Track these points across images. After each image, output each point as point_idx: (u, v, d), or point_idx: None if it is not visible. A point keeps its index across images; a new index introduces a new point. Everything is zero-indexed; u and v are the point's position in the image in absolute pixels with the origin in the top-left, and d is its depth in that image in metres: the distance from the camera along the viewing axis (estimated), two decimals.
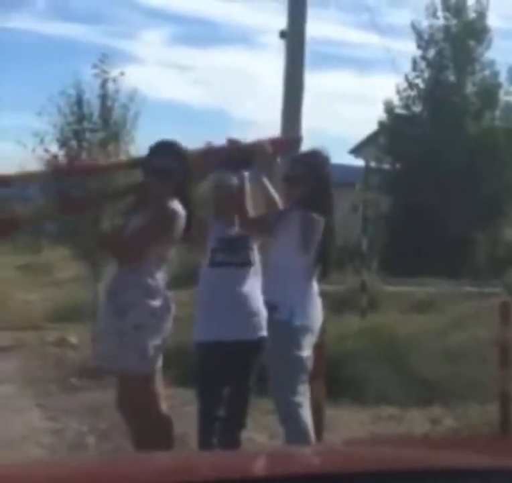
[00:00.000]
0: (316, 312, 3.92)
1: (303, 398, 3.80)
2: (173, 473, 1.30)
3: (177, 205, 3.69)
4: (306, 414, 3.78)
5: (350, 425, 5.23)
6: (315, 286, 3.96)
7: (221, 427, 3.98)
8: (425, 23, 19.25)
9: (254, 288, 4.05)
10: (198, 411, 4.00)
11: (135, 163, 4.06)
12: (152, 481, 1.21)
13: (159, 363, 3.70)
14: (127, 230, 3.77)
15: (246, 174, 4.05)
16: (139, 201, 3.90)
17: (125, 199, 4.18)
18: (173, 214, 3.66)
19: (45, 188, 8.66)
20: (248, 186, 4.04)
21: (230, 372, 3.97)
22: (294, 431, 3.75)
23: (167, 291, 3.75)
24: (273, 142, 4.22)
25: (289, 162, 4.26)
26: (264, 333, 3.90)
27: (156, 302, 3.64)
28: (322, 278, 3.97)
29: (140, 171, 3.94)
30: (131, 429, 3.77)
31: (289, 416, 3.78)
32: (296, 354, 3.79)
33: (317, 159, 4.04)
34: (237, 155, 4.05)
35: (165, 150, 3.77)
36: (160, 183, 3.70)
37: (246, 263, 4.06)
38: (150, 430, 3.64)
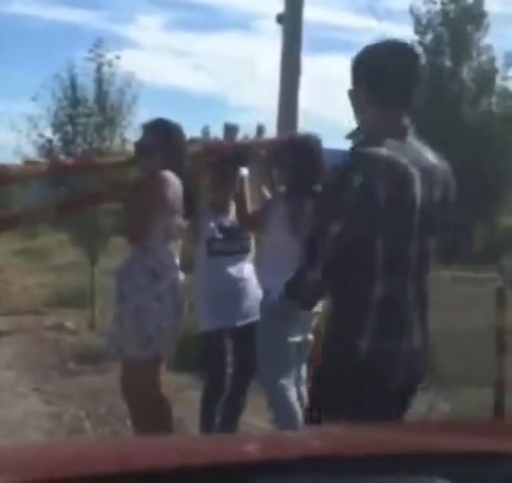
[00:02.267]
0: None
1: (289, 381, 3.83)
2: (172, 457, 1.31)
3: (168, 174, 3.66)
4: (292, 395, 3.81)
5: None
6: None
7: (222, 410, 4.04)
8: (423, 8, 19.20)
9: (251, 274, 4.12)
10: (203, 391, 4.06)
11: (134, 160, 4.06)
12: (151, 465, 1.22)
13: (165, 348, 3.70)
14: None
15: (244, 171, 4.05)
16: None
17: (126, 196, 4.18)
18: (162, 179, 3.63)
19: (44, 188, 8.68)
20: (246, 183, 4.04)
21: (233, 357, 4.04)
22: (281, 413, 3.80)
23: (177, 273, 3.71)
24: (270, 143, 4.23)
25: (277, 147, 4.26)
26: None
27: (160, 285, 3.64)
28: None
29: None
30: (132, 414, 3.80)
31: (275, 399, 3.83)
32: (285, 336, 3.81)
33: (300, 143, 4.04)
34: (234, 153, 4.07)
35: (152, 128, 3.77)
36: (147, 160, 3.69)
37: (244, 251, 4.10)
38: (149, 415, 3.66)
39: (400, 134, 2.30)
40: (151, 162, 3.68)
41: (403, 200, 2.23)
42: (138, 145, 3.79)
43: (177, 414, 4.17)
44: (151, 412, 3.66)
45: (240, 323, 4.04)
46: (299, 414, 3.81)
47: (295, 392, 3.87)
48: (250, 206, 4.03)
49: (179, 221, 3.74)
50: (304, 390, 3.96)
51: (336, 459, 1.28)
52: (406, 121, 2.33)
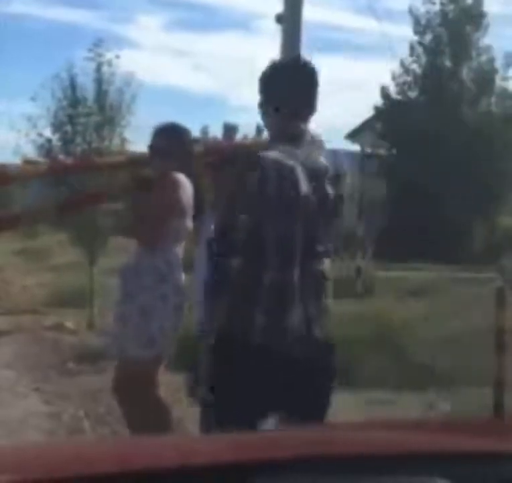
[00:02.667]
0: None
1: None
2: (171, 457, 1.31)
3: (181, 176, 3.72)
4: None
5: (344, 409, 5.25)
6: None
7: None
8: (422, 9, 19.20)
9: None
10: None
11: (135, 161, 4.07)
12: (150, 465, 1.22)
13: (166, 348, 3.70)
14: None
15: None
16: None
17: (127, 196, 4.19)
18: (175, 181, 3.70)
19: (44, 188, 8.68)
20: None
21: None
22: None
23: (181, 274, 3.74)
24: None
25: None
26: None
27: (166, 286, 3.65)
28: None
29: (139, 168, 3.96)
30: (125, 414, 3.80)
31: None
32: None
33: None
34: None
35: (166, 131, 3.82)
36: (162, 163, 3.73)
37: None
38: (147, 416, 3.66)
39: (294, 140, 2.65)
40: (165, 164, 3.71)
41: (288, 195, 2.59)
42: (152, 147, 3.81)
43: (177, 414, 4.17)
44: (149, 413, 3.66)
45: None
46: None
47: None
48: None
49: (189, 223, 3.78)
50: None
51: (335, 459, 1.28)
52: (302, 128, 2.67)
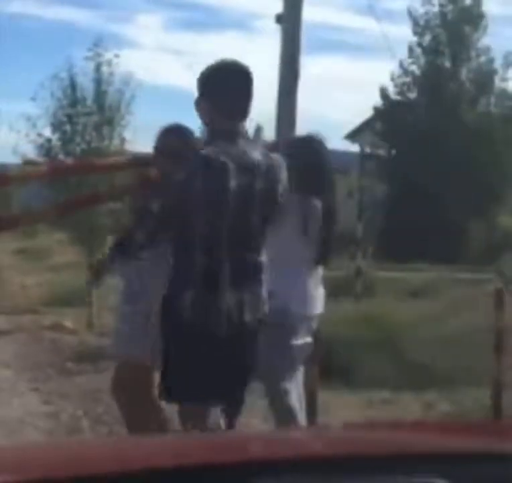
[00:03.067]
0: (315, 299, 3.88)
1: (290, 384, 3.82)
2: (170, 457, 1.31)
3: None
4: (294, 400, 3.81)
5: (344, 409, 5.26)
6: (315, 271, 3.93)
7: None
8: (421, 9, 19.20)
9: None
10: None
11: (135, 162, 4.04)
12: (149, 465, 1.22)
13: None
14: None
15: None
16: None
17: (126, 197, 4.18)
18: (180, 183, 3.65)
19: (44, 188, 8.68)
20: None
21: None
22: (282, 417, 3.79)
23: None
24: (270, 146, 4.22)
25: (284, 147, 4.25)
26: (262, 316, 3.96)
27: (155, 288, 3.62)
28: (321, 263, 3.93)
29: (139, 169, 3.92)
30: (123, 414, 3.79)
31: (277, 403, 3.83)
32: (288, 342, 3.79)
33: (310, 143, 4.04)
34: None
35: (171, 132, 3.77)
36: (169, 164, 3.67)
37: None
38: (145, 416, 3.65)
39: (230, 137, 2.84)
40: (169, 165, 3.65)
41: (217, 189, 2.79)
42: (157, 148, 3.75)
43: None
44: (147, 413, 3.65)
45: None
46: (299, 418, 3.81)
47: (297, 397, 3.86)
48: None
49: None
50: (302, 392, 3.96)
51: (333, 459, 1.28)
52: (238, 126, 2.86)
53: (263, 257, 2.98)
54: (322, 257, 3.89)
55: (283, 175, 2.97)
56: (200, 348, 2.87)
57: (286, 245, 3.84)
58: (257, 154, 2.87)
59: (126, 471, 1.18)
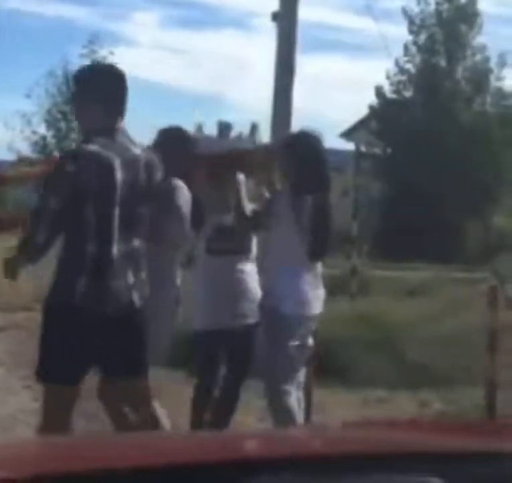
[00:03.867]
0: (311, 299, 3.84)
1: (290, 385, 3.81)
2: (162, 454, 1.30)
3: (180, 182, 3.66)
4: (293, 401, 3.80)
5: (339, 408, 5.26)
6: (314, 270, 3.90)
7: (213, 408, 4.03)
8: (416, 8, 19.21)
9: (251, 275, 4.07)
10: (194, 389, 4.05)
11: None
12: (141, 462, 1.21)
13: (163, 352, 3.66)
14: None
15: (241, 176, 4.04)
16: None
17: None
18: (175, 187, 3.64)
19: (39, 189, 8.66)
20: (243, 185, 4.04)
21: (226, 357, 4.02)
22: (281, 418, 3.78)
23: (176, 279, 3.70)
24: (269, 150, 4.22)
25: (278, 144, 4.25)
26: (257, 319, 3.93)
27: (168, 294, 3.59)
28: (314, 259, 3.90)
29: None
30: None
31: (276, 404, 3.82)
32: (285, 342, 3.77)
33: (303, 139, 4.02)
34: (228, 160, 4.12)
35: (170, 134, 3.75)
36: (164, 166, 3.65)
37: (244, 251, 4.07)
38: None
39: (109, 134, 3.09)
40: (167, 167, 3.63)
41: (105, 182, 3.05)
42: (156, 149, 3.73)
43: (170, 411, 4.16)
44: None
45: (236, 324, 4.00)
46: (299, 419, 3.79)
47: (295, 397, 3.84)
48: (248, 207, 4.01)
49: (188, 229, 3.69)
50: (301, 394, 3.94)
51: (330, 457, 1.27)
52: (116, 123, 3.12)
53: (143, 244, 3.24)
54: (314, 253, 3.85)
55: (158, 168, 3.25)
56: (91, 331, 3.08)
57: (281, 243, 3.83)
58: (137, 149, 3.16)
59: (117, 468, 1.16)
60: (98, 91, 3.11)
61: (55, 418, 3.21)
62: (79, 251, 3.09)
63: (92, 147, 3.05)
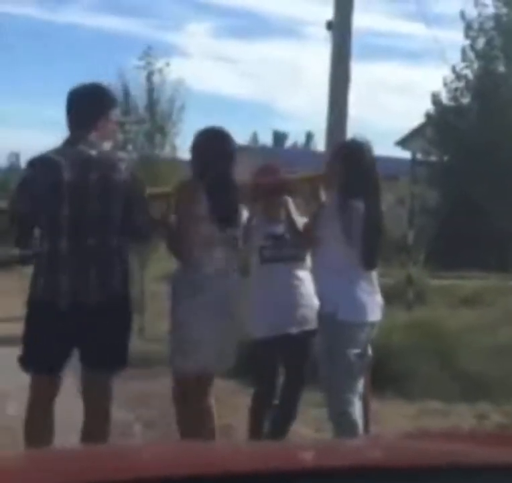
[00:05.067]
0: (369, 305, 3.81)
1: (352, 394, 3.77)
2: (216, 464, 1.31)
3: (190, 183, 3.73)
4: (355, 411, 3.75)
5: (396, 419, 5.20)
6: (368, 278, 3.86)
7: (272, 417, 4.03)
8: (474, 12, 18.93)
9: (306, 281, 4.08)
10: (253, 397, 4.07)
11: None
12: (193, 471, 1.22)
13: (211, 359, 3.65)
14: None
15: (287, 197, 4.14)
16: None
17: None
18: (188, 190, 3.69)
19: None
20: (291, 203, 4.14)
21: (284, 364, 4.04)
22: (343, 428, 3.74)
23: (223, 282, 3.66)
24: (315, 177, 4.24)
25: (331, 154, 4.26)
26: (315, 325, 3.93)
27: (199, 299, 3.60)
28: (367, 267, 3.87)
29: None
30: (177, 422, 3.81)
31: (337, 413, 3.78)
32: (343, 350, 3.73)
33: (351, 147, 4.03)
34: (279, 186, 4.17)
35: (206, 134, 3.84)
36: (199, 165, 3.77)
37: (297, 258, 4.08)
38: (193, 425, 3.65)
39: (72, 142, 3.48)
40: (203, 165, 3.70)
41: (53, 181, 3.35)
42: (191, 148, 3.82)
43: (225, 422, 4.17)
44: (195, 422, 3.65)
45: (293, 331, 4.00)
46: (360, 429, 3.75)
47: (359, 406, 3.80)
48: (300, 221, 4.05)
49: (212, 228, 3.66)
50: (361, 405, 3.90)
51: (391, 469, 1.26)
52: (78, 134, 3.48)
53: (114, 240, 3.41)
54: (366, 260, 3.82)
55: (123, 167, 3.45)
56: (45, 324, 3.37)
57: (331, 250, 3.81)
58: (93, 153, 3.42)
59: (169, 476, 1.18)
60: (69, 107, 3.54)
61: (34, 405, 3.44)
62: (41, 250, 3.40)
63: (44, 153, 3.44)
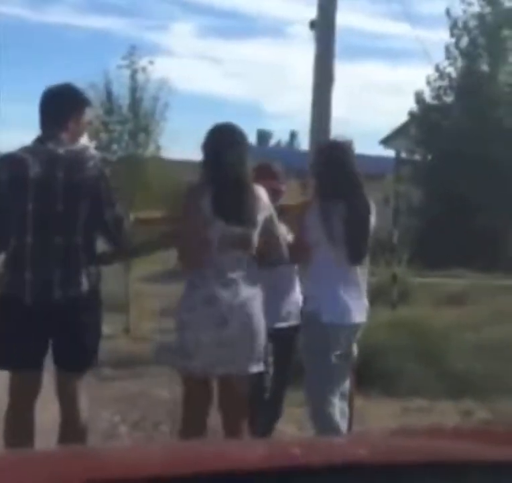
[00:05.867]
0: (351, 308, 3.80)
1: (332, 395, 3.78)
2: (201, 462, 1.31)
3: (193, 184, 3.58)
4: (334, 411, 3.76)
5: (380, 417, 5.22)
6: (354, 280, 3.85)
7: (257, 416, 4.01)
8: (458, 11, 19.02)
9: (291, 279, 4.08)
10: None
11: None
12: (175, 470, 1.22)
13: (208, 360, 3.47)
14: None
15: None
16: None
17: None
18: (186, 192, 3.58)
19: None
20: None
21: (273, 359, 4.02)
22: (322, 427, 3.75)
23: (216, 284, 3.46)
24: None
25: (313, 155, 4.27)
26: (299, 321, 3.95)
27: (196, 298, 3.48)
28: (352, 263, 3.85)
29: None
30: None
31: (317, 413, 3.80)
32: (325, 351, 3.75)
33: (329, 147, 4.05)
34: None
35: (217, 131, 3.61)
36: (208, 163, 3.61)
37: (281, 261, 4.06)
38: (185, 424, 3.62)
39: (41, 140, 3.52)
40: (211, 163, 3.54)
41: (17, 178, 3.40)
42: (203, 145, 3.61)
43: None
44: (186, 422, 3.61)
45: (279, 325, 4.00)
46: (341, 429, 3.76)
47: (339, 407, 3.80)
48: (284, 233, 3.86)
49: (215, 229, 3.48)
50: (346, 405, 3.90)
51: (373, 466, 1.26)
52: (47, 133, 3.52)
53: (80, 238, 3.43)
54: (351, 257, 3.81)
55: (91, 164, 3.48)
56: (12, 320, 3.40)
57: (316, 252, 3.81)
58: (61, 151, 3.46)
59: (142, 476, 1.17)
60: (42, 107, 3.59)
61: (14, 403, 3.47)
62: (4, 244, 3.45)
63: (13, 151, 3.50)
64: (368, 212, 3.89)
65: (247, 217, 3.50)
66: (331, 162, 3.88)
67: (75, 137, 3.61)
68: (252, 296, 3.51)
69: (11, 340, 3.42)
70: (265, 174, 4.01)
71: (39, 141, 3.54)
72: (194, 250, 3.50)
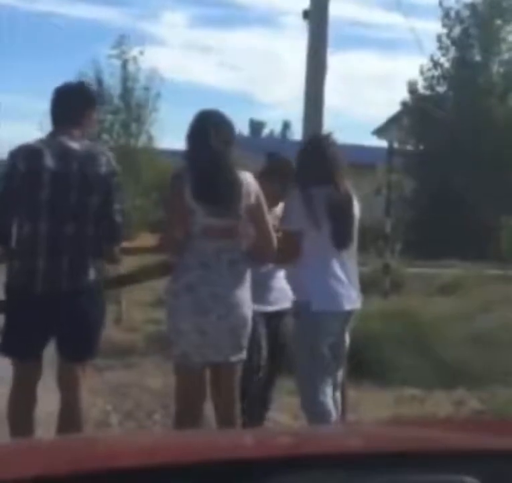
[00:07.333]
0: (341, 295, 3.80)
1: (324, 384, 3.78)
2: (193, 452, 1.31)
3: (176, 172, 3.58)
4: (327, 400, 3.77)
5: (373, 407, 5.23)
6: (344, 267, 3.84)
7: (247, 405, 4.00)
8: (451, 1, 19.01)
9: (276, 268, 4.09)
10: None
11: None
12: (168, 459, 1.21)
13: (193, 348, 3.45)
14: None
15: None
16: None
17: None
18: (170, 181, 3.57)
19: None
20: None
21: (266, 343, 4.02)
22: (314, 417, 3.75)
23: (200, 270, 3.43)
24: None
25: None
26: (286, 305, 3.95)
27: (175, 285, 3.48)
28: (338, 248, 3.84)
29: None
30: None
31: (308, 402, 3.80)
32: (316, 340, 3.75)
33: (309, 141, 4.14)
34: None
35: (202, 116, 3.57)
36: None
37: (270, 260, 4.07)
38: (178, 410, 3.62)
39: (54, 134, 3.63)
40: (197, 150, 3.49)
41: (33, 169, 3.48)
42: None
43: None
44: (178, 408, 3.62)
45: (269, 309, 4.01)
46: (332, 418, 3.76)
47: (331, 396, 3.81)
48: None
49: (197, 219, 3.44)
50: (339, 394, 3.90)
51: (363, 455, 1.26)
52: (59, 128, 3.64)
53: (90, 230, 3.49)
54: (336, 241, 3.79)
55: (103, 160, 3.56)
56: (20, 308, 3.46)
57: (303, 240, 3.80)
58: (74, 144, 3.56)
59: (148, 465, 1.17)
60: (56, 103, 3.70)
61: (17, 390, 3.52)
62: (17, 235, 3.50)
63: (26, 143, 3.61)
64: (349, 197, 3.90)
65: (228, 203, 3.44)
66: (311, 150, 3.96)
67: (86, 133, 3.72)
68: (235, 284, 3.47)
69: (18, 329, 3.47)
70: (287, 171, 4.03)
71: (52, 135, 3.65)
72: (176, 238, 3.50)
